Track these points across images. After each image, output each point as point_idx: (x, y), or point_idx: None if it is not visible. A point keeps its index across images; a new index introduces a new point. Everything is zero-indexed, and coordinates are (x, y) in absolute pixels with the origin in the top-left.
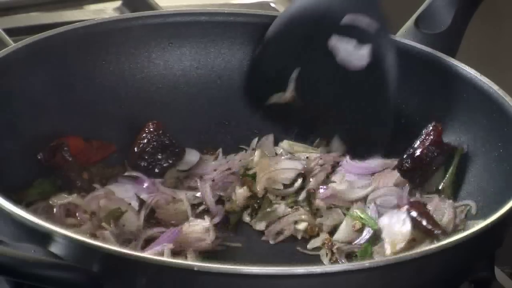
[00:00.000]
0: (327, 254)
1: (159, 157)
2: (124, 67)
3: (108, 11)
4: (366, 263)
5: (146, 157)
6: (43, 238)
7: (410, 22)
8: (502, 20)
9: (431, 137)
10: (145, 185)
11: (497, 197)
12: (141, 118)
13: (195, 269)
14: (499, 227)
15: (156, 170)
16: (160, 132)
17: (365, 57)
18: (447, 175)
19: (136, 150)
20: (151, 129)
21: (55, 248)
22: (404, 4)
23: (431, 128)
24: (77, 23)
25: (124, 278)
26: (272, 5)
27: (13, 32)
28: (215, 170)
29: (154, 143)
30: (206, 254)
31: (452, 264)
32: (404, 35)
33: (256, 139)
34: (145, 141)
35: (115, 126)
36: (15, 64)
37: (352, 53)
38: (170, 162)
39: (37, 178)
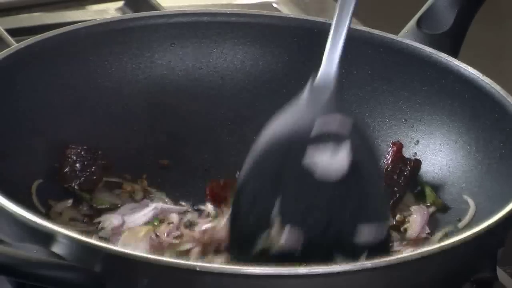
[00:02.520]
0: None
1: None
2: (126, 68)
3: (110, 11)
4: (368, 263)
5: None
6: (45, 238)
7: (412, 23)
8: (504, 20)
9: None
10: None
11: (499, 197)
12: (144, 119)
13: (197, 269)
14: (501, 227)
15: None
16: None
17: (343, 163)
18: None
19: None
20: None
21: (57, 248)
22: (406, 4)
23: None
24: (79, 24)
25: (126, 278)
26: (274, 5)
27: (15, 32)
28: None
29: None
30: None
31: (454, 264)
32: (406, 36)
33: None
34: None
35: (116, 127)
36: (17, 65)
37: (329, 164)
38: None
39: (36, 180)
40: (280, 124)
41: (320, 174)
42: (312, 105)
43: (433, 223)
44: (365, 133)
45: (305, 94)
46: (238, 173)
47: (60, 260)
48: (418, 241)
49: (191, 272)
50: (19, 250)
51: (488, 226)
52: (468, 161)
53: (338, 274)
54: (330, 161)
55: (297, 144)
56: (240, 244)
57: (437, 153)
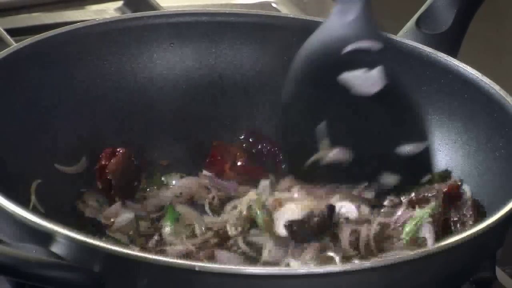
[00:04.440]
0: None
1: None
2: (125, 68)
3: (109, 11)
4: (367, 263)
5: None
6: (45, 238)
7: (411, 23)
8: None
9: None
10: None
11: (499, 197)
12: (143, 119)
13: (196, 269)
14: (500, 227)
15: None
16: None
17: (379, 79)
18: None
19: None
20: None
21: (56, 248)
22: (405, 4)
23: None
24: (79, 23)
25: (126, 278)
26: (274, 5)
27: (14, 32)
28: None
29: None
30: None
31: (453, 264)
32: (405, 36)
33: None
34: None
35: (115, 127)
36: (16, 65)
37: (364, 81)
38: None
39: (36, 180)
40: (315, 43)
41: (356, 91)
42: (342, 21)
43: None
44: (398, 53)
45: (333, 12)
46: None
47: (59, 260)
48: None
49: (190, 272)
50: (18, 250)
51: (488, 226)
52: (467, 161)
53: (338, 274)
54: (365, 77)
55: (332, 62)
56: (292, 157)
57: (437, 153)
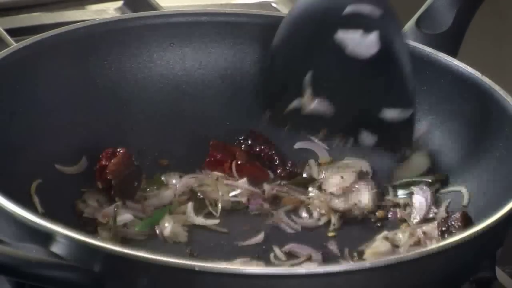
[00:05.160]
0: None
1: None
2: (125, 68)
3: (109, 11)
4: (367, 263)
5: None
6: (45, 238)
7: (411, 23)
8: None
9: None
10: None
11: (499, 197)
12: (143, 119)
13: (196, 269)
14: (500, 227)
15: None
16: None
17: (374, 43)
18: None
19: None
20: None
21: (56, 248)
22: (405, 4)
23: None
24: (79, 23)
25: (126, 278)
26: (274, 5)
27: (14, 32)
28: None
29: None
30: None
31: (453, 264)
32: (405, 36)
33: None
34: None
35: (115, 127)
36: (16, 65)
37: (360, 43)
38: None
39: (36, 180)
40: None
41: (350, 51)
42: None
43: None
44: (396, 22)
45: None
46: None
47: (59, 260)
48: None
49: (190, 272)
50: (18, 250)
51: (488, 226)
52: (467, 161)
53: (338, 274)
54: (361, 40)
55: (330, 18)
56: (272, 102)
57: (437, 153)
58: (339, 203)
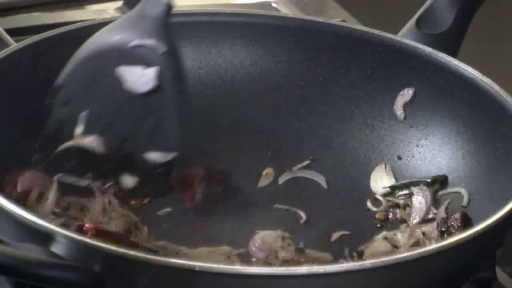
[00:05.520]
0: None
1: None
2: None
3: (109, 11)
4: (367, 263)
5: None
6: (45, 238)
7: (411, 23)
8: (504, 20)
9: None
10: None
11: (499, 197)
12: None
13: (196, 269)
14: (501, 227)
15: None
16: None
17: (151, 79)
18: None
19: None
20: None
21: (56, 248)
22: (405, 4)
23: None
24: (79, 23)
25: (126, 278)
26: (274, 5)
27: (14, 32)
28: None
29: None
30: None
31: (453, 264)
32: (405, 36)
33: None
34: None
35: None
36: (16, 64)
37: (138, 78)
38: None
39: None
40: (104, 34)
41: (127, 86)
42: (138, 23)
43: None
44: (178, 63)
45: (135, 10)
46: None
47: (59, 260)
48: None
49: (190, 272)
50: (18, 250)
51: (488, 226)
52: (467, 161)
53: (338, 274)
54: (140, 75)
55: (115, 53)
56: (47, 137)
57: (437, 153)
58: None
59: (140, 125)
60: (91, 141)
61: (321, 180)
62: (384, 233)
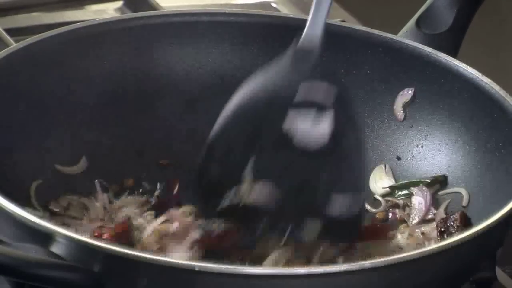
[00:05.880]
0: None
1: None
2: (125, 68)
3: (109, 11)
4: (366, 263)
5: None
6: (44, 238)
7: (411, 22)
8: (504, 20)
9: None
10: None
11: (499, 197)
12: (143, 118)
13: (196, 269)
14: (501, 227)
15: None
16: None
17: (326, 131)
18: None
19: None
20: None
21: (56, 248)
22: (405, 4)
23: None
24: (78, 23)
25: (125, 278)
26: (274, 5)
27: (14, 32)
28: None
29: None
30: None
31: (453, 264)
32: (405, 36)
33: None
34: None
35: (115, 127)
36: (16, 65)
37: (310, 131)
38: None
39: (36, 180)
40: (261, 82)
41: (299, 142)
42: (296, 67)
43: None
44: (349, 103)
45: (288, 55)
46: None
47: (59, 260)
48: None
49: (190, 272)
50: (18, 250)
51: (488, 226)
52: (467, 161)
53: (338, 274)
54: (311, 129)
55: (277, 105)
56: (208, 198)
57: (437, 153)
58: None
59: (316, 177)
60: (259, 192)
61: None
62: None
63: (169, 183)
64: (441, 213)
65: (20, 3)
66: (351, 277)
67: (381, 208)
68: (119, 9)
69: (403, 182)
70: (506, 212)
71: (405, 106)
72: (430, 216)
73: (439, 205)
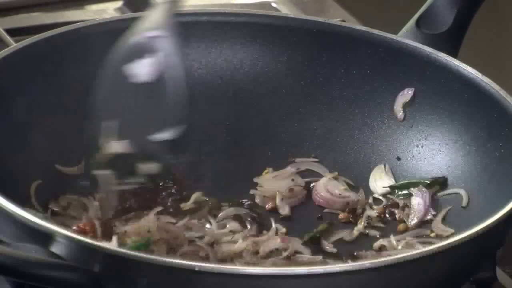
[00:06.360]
0: None
1: None
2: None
3: (109, 11)
4: (367, 263)
5: None
6: (44, 238)
7: (411, 23)
8: (504, 20)
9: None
10: None
11: (499, 197)
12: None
13: (196, 269)
14: (501, 227)
15: None
16: None
17: (155, 66)
18: None
19: None
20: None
21: (56, 248)
22: (405, 4)
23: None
24: (78, 23)
25: (125, 278)
26: (274, 5)
27: (14, 32)
28: None
29: None
30: None
31: (454, 264)
32: (406, 36)
33: None
34: None
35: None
36: (16, 65)
37: (143, 68)
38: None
39: (35, 180)
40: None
41: (133, 76)
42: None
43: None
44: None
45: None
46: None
47: (59, 260)
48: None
49: (190, 272)
50: (18, 250)
51: (488, 226)
52: (467, 161)
53: (338, 274)
54: (143, 66)
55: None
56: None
57: (437, 153)
58: None
59: (147, 108)
60: (117, 146)
61: None
62: (380, 240)
63: (175, 179)
64: (439, 219)
65: (20, 3)
66: (351, 277)
67: (381, 205)
68: (119, 9)
69: (403, 182)
70: (506, 212)
71: (405, 106)
72: (428, 217)
73: (439, 207)
